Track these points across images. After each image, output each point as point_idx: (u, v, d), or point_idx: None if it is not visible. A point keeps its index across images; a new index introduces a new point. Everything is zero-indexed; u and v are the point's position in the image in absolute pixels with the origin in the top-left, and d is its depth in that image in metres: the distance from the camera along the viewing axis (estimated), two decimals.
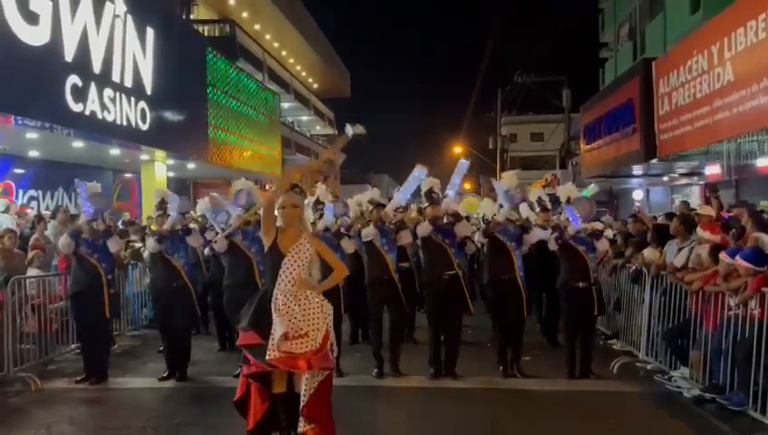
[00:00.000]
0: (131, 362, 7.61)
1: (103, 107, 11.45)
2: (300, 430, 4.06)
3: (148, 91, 13.17)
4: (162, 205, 6.92)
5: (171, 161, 16.10)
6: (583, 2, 34.40)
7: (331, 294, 4.32)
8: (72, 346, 7.54)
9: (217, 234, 7.08)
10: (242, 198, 6.93)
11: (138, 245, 9.16)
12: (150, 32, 13.27)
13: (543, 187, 9.48)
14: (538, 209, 7.63)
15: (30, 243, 8.43)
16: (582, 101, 21.00)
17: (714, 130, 10.98)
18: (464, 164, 6.99)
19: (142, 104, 12.87)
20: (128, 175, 17.80)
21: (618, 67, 22.70)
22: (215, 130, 17.30)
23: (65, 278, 7.31)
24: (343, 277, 4.55)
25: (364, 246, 6.86)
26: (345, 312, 7.33)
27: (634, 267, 7.61)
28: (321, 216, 7.00)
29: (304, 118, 37.93)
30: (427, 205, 6.87)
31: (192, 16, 24.73)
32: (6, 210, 10.20)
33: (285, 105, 30.64)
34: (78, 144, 12.37)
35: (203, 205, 7.61)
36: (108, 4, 11.67)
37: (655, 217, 10.21)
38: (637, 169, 17.04)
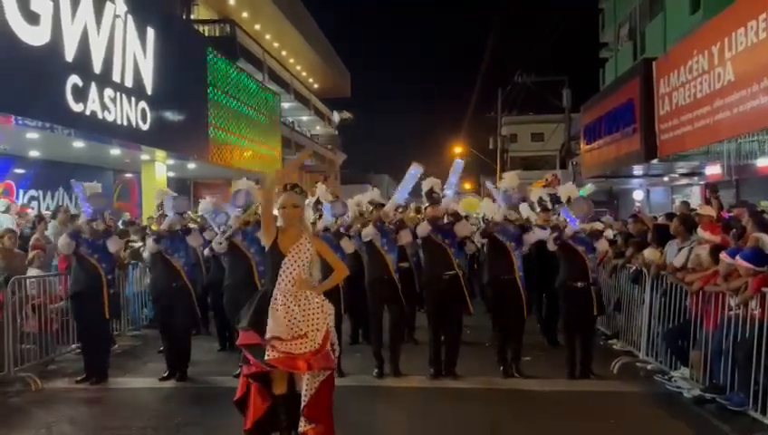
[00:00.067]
0: (132, 363, 7.61)
1: (104, 107, 11.45)
2: (301, 429, 4.06)
3: (149, 92, 13.17)
4: (162, 205, 6.94)
5: (171, 161, 16.10)
6: (583, 2, 34.44)
7: (331, 295, 4.32)
8: (73, 346, 7.54)
9: (216, 234, 7.09)
10: (240, 198, 6.93)
11: (136, 245, 9.17)
12: (151, 32, 13.27)
13: (544, 187, 9.46)
14: (539, 209, 7.63)
15: (30, 243, 8.44)
16: (583, 101, 21.01)
17: (714, 131, 10.97)
18: (459, 163, 7.00)
19: (143, 104, 12.87)
20: (128, 175, 17.81)
21: (618, 67, 22.69)
22: (215, 130, 17.30)
23: (65, 278, 7.31)
24: (344, 277, 4.54)
25: (364, 246, 6.86)
26: (345, 312, 7.33)
27: (634, 268, 7.61)
28: (321, 216, 7.00)
29: (305, 118, 37.95)
30: (427, 205, 6.88)
31: (192, 16, 24.73)
32: (7, 210, 10.21)
33: (285, 105, 30.65)
34: (78, 144, 12.37)
35: (205, 205, 7.63)
36: (108, 5, 11.67)
37: (655, 218, 10.20)
38: (637, 170, 17.03)
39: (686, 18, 16.82)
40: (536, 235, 6.67)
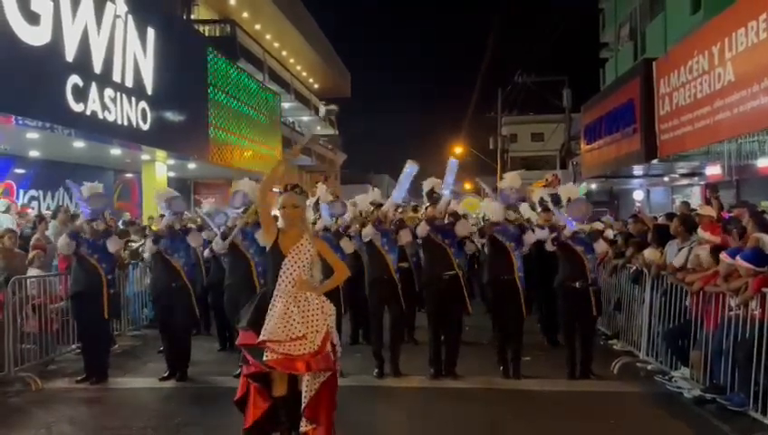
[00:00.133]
0: (132, 363, 7.61)
1: (104, 107, 11.46)
2: (302, 429, 4.06)
3: (149, 92, 13.18)
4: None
5: (172, 161, 16.11)
6: (583, 2, 34.40)
7: (331, 295, 4.30)
8: (73, 346, 7.54)
9: (216, 235, 7.09)
10: (237, 199, 6.93)
11: (135, 245, 9.17)
12: (151, 32, 13.28)
13: (544, 187, 9.46)
14: (539, 209, 7.63)
15: (31, 243, 8.44)
16: (583, 101, 21.01)
17: (714, 131, 10.97)
18: (454, 163, 6.97)
19: (143, 104, 12.88)
20: (128, 175, 17.81)
21: (618, 67, 22.68)
22: (215, 130, 17.31)
23: (66, 278, 7.31)
24: (344, 278, 4.52)
25: (364, 246, 6.86)
26: (345, 312, 7.32)
27: (634, 268, 7.61)
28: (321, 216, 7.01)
29: (305, 118, 37.94)
30: (428, 205, 6.88)
31: (193, 16, 24.72)
32: (7, 210, 10.21)
33: (286, 105, 30.65)
34: (79, 144, 12.38)
35: (209, 207, 7.67)
36: (109, 5, 11.68)
37: (655, 218, 10.20)
38: (637, 170, 17.03)
39: (686, 18, 16.81)
40: (535, 235, 6.66)
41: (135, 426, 5.27)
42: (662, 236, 7.52)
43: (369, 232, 6.61)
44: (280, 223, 4.26)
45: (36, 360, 7.00)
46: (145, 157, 15.21)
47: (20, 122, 10.31)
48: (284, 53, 33.17)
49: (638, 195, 22.38)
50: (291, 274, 4.06)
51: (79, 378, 6.62)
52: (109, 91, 11.61)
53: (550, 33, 57.82)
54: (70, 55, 10.49)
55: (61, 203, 14.46)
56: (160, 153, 15.03)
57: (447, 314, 6.58)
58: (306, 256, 4.11)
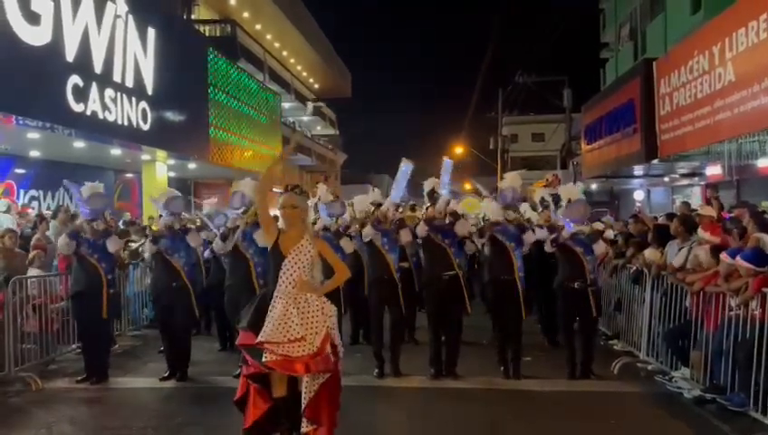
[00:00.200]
0: (132, 362, 7.61)
1: (104, 107, 11.46)
2: (303, 430, 4.05)
3: (150, 92, 13.18)
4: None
5: (172, 161, 16.11)
6: (583, 2, 34.41)
7: (331, 295, 4.29)
8: (73, 346, 7.54)
9: (215, 236, 7.09)
10: (236, 200, 6.93)
11: (134, 245, 9.17)
12: (151, 32, 13.28)
13: (545, 187, 9.46)
14: (540, 209, 7.62)
15: (32, 243, 8.44)
16: (583, 101, 21.01)
17: (715, 131, 10.97)
18: (448, 163, 6.96)
19: (143, 104, 12.88)
20: (129, 175, 17.81)
21: (618, 67, 22.67)
22: (216, 130, 17.31)
23: (66, 278, 7.32)
24: (345, 279, 4.50)
25: (365, 247, 6.86)
26: (345, 312, 7.31)
27: (635, 268, 7.61)
28: None
29: (305, 118, 37.95)
30: (428, 205, 6.87)
31: (193, 16, 24.74)
32: (8, 210, 10.21)
33: (286, 105, 30.66)
34: (79, 144, 12.38)
35: (208, 207, 7.68)
36: (109, 5, 11.68)
37: (656, 218, 10.20)
38: (638, 170, 17.03)
39: (686, 18, 16.81)
40: (532, 235, 6.65)
41: (135, 426, 5.27)
42: (662, 236, 7.52)
43: (369, 232, 6.61)
44: (280, 223, 4.26)
45: (37, 360, 7.00)
46: (145, 157, 15.21)
47: (20, 122, 10.32)
48: (285, 53, 33.20)
49: (639, 195, 22.39)
50: (291, 275, 4.05)
51: (79, 378, 6.62)
52: (109, 91, 11.62)
53: (550, 33, 57.82)
54: (70, 55, 10.50)
55: (61, 203, 14.45)
56: (161, 153, 15.03)
57: (447, 315, 6.58)
58: (306, 257, 4.11)
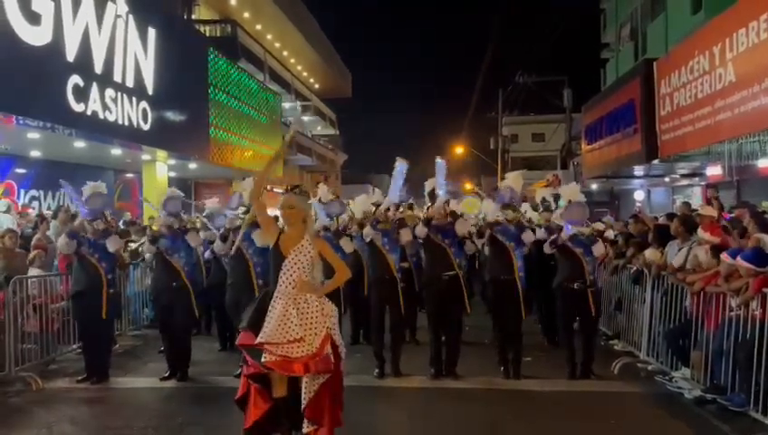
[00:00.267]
0: (132, 362, 7.61)
1: (105, 107, 11.46)
2: (304, 430, 4.06)
3: (150, 92, 13.18)
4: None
5: (172, 161, 16.12)
6: (584, 2, 34.43)
7: (331, 295, 4.30)
8: (74, 346, 7.54)
9: (215, 236, 7.09)
10: (234, 200, 6.93)
11: (134, 244, 9.17)
12: (152, 32, 13.28)
13: (545, 187, 9.47)
14: (541, 209, 7.62)
15: (32, 243, 8.44)
16: (583, 101, 21.01)
17: (715, 131, 10.97)
18: (441, 164, 6.93)
19: (144, 104, 12.88)
20: (129, 175, 17.81)
21: (619, 67, 22.68)
22: (216, 130, 17.31)
23: (66, 278, 7.32)
24: (346, 279, 4.50)
25: (365, 247, 6.86)
26: (345, 312, 7.31)
27: (635, 268, 7.61)
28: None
29: (305, 118, 37.96)
30: (429, 205, 6.88)
31: (193, 16, 24.75)
32: (8, 210, 10.21)
33: (286, 105, 30.66)
34: (79, 144, 12.38)
35: (210, 206, 7.69)
36: (109, 5, 11.68)
37: (656, 218, 10.20)
38: (638, 170, 17.03)
39: (687, 18, 16.81)
40: (530, 235, 6.65)
41: (136, 426, 5.27)
42: (663, 236, 7.52)
43: (369, 232, 6.62)
44: (281, 223, 4.26)
45: (37, 359, 7.00)
46: (146, 157, 15.22)
47: (21, 122, 10.32)
48: (285, 53, 33.22)
49: (639, 195, 22.40)
50: (291, 275, 4.06)
51: (80, 378, 6.62)
52: (109, 91, 11.62)
53: (550, 33, 57.72)
54: (70, 55, 10.50)
55: (61, 203, 14.45)
56: (161, 153, 15.03)
57: (447, 315, 6.58)
58: (307, 258, 4.11)
